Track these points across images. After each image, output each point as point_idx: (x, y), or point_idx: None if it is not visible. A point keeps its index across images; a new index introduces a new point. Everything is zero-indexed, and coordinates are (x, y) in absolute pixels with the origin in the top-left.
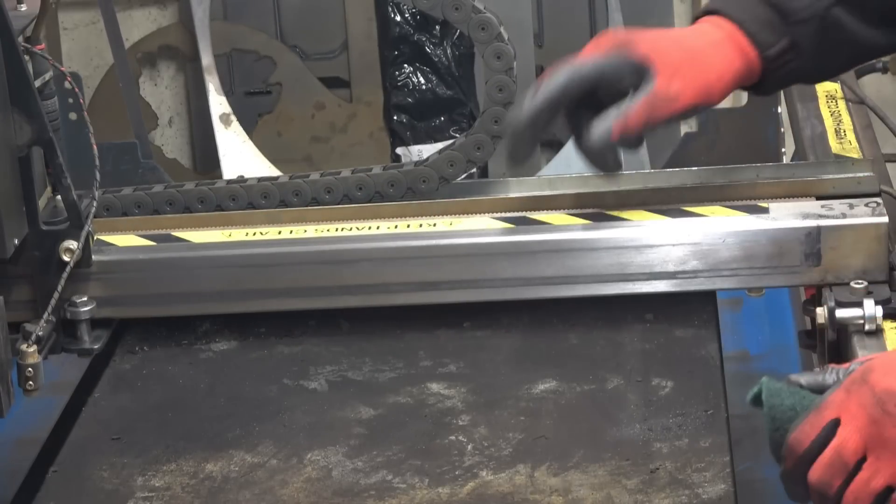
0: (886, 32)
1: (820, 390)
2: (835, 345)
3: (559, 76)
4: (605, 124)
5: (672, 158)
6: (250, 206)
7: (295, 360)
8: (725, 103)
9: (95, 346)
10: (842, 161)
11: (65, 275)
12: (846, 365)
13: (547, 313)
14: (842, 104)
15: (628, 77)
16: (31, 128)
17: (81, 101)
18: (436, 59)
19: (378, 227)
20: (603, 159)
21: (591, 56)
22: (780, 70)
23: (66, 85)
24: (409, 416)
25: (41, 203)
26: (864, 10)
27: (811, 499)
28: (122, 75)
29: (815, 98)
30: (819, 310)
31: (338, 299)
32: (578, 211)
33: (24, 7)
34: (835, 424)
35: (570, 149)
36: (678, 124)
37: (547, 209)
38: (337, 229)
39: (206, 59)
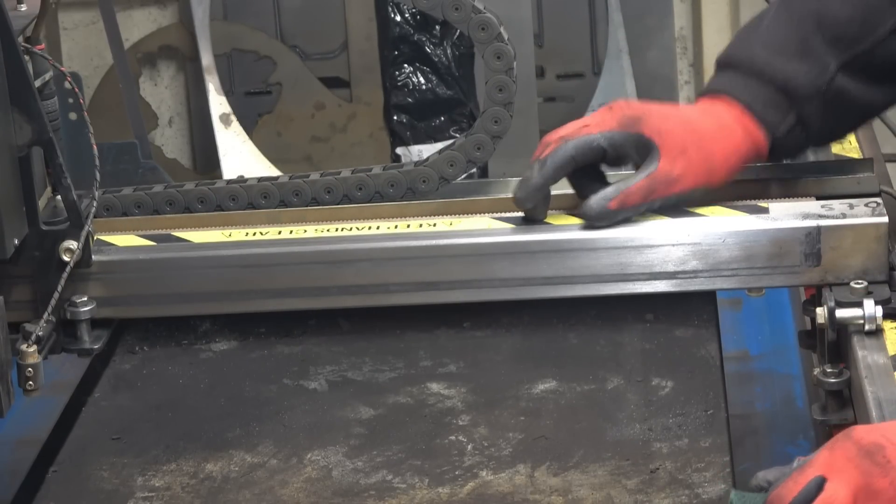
0: (892, 89)
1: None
2: (835, 345)
3: (568, 147)
4: (606, 194)
5: None
6: (250, 206)
7: (295, 360)
8: None
9: (95, 346)
10: (842, 161)
11: (65, 275)
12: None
13: (547, 313)
14: None
15: (634, 151)
16: (31, 128)
17: (81, 101)
18: (436, 59)
19: (378, 227)
20: (596, 223)
21: (600, 127)
22: (789, 143)
23: (66, 85)
24: (409, 416)
25: (41, 203)
26: (868, 71)
27: None
28: (122, 75)
29: None
30: (819, 310)
31: (338, 299)
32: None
33: (24, 7)
34: (820, 481)
35: None
36: None
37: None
38: (337, 229)
39: (206, 59)
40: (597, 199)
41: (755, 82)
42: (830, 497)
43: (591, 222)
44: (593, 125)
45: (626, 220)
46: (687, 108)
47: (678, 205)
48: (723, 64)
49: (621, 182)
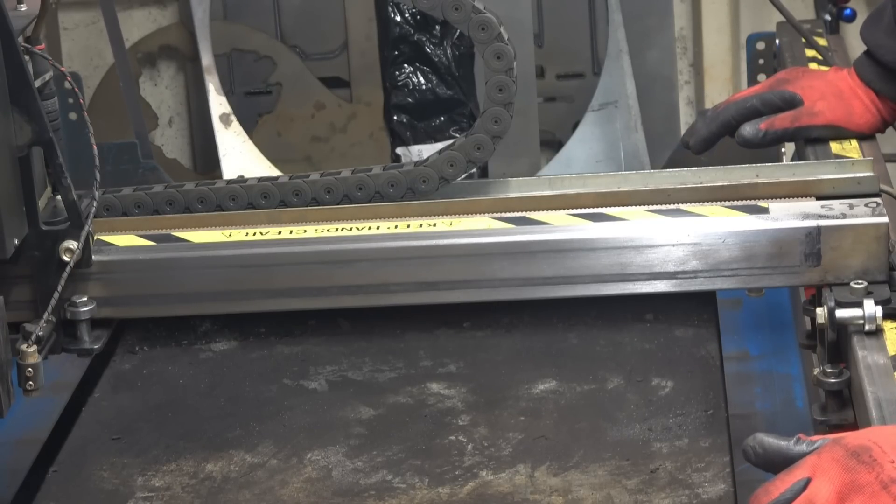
0: None
1: (785, 458)
2: (835, 345)
3: (730, 109)
4: (758, 120)
5: (672, 158)
6: (250, 206)
7: (295, 360)
8: None
9: (95, 346)
10: (842, 161)
11: (65, 275)
12: (815, 437)
13: (547, 313)
14: None
15: (782, 104)
16: (31, 128)
17: (81, 101)
18: (436, 59)
19: (378, 227)
20: (749, 145)
21: (755, 91)
22: None
23: (66, 85)
24: (409, 416)
25: (41, 203)
26: None
27: None
28: (123, 75)
29: None
30: (819, 310)
31: (338, 299)
32: (578, 211)
33: (24, 7)
34: (806, 481)
35: (570, 149)
36: (678, 121)
37: (547, 209)
38: (337, 229)
39: (206, 59)
40: (750, 124)
41: (874, 62)
42: (813, 493)
43: (744, 143)
44: (750, 91)
45: (623, 222)
46: (830, 72)
47: (819, 139)
48: (864, 40)
49: (771, 115)
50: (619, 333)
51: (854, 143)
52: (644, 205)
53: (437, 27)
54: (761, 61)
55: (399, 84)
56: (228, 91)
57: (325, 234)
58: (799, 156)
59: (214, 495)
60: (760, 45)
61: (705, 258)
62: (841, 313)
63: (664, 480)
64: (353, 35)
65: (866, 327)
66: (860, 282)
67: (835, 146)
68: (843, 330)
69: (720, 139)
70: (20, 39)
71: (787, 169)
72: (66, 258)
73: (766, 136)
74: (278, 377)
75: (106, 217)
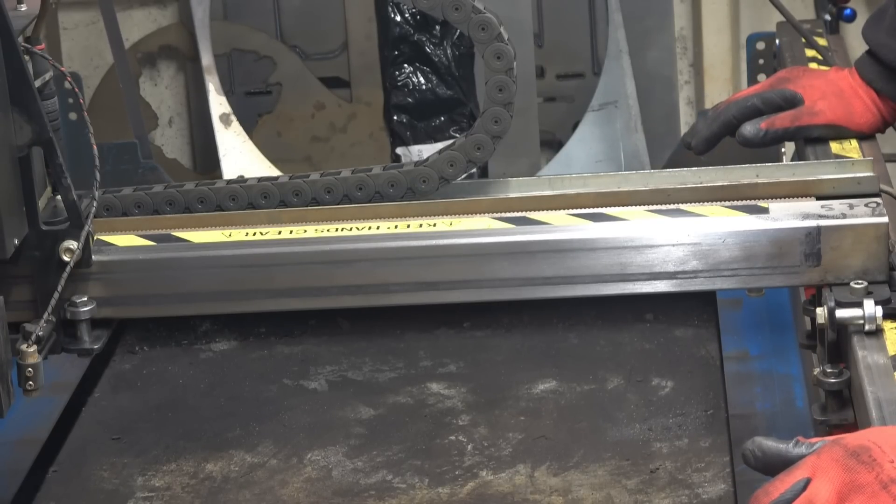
0: None
1: (784, 461)
2: (835, 345)
3: (731, 108)
4: (758, 120)
5: (672, 158)
6: (250, 206)
7: (295, 360)
8: None
9: (95, 346)
10: (842, 161)
11: (65, 275)
12: (814, 440)
13: (547, 313)
14: None
15: (783, 103)
16: (31, 128)
17: (81, 101)
18: (436, 59)
19: (378, 227)
20: (750, 145)
21: (756, 90)
22: None
23: (66, 85)
24: (409, 416)
25: (41, 203)
26: None
27: None
28: (122, 75)
29: None
30: (819, 310)
31: (338, 299)
32: (578, 211)
33: (24, 7)
34: (805, 482)
35: (570, 149)
36: (678, 122)
37: (547, 209)
38: (337, 229)
39: (206, 59)
40: (751, 123)
41: (875, 62)
42: (813, 494)
43: (745, 142)
44: (751, 90)
45: (623, 222)
46: (831, 72)
47: (820, 138)
48: (865, 40)
49: (772, 114)
50: (619, 333)
51: (854, 143)
52: (644, 205)
53: (437, 27)
54: (761, 61)
55: (399, 84)
56: (228, 91)
57: (325, 234)
58: (799, 156)
59: (214, 495)
60: (760, 45)
61: (705, 258)
62: (841, 313)
63: (664, 480)
64: (353, 35)
65: (866, 327)
66: (860, 282)
67: (835, 146)
68: (843, 330)
69: (722, 139)
70: (20, 39)
71: (787, 169)
72: (66, 258)
73: (766, 136)
74: (278, 377)
75: (106, 217)
